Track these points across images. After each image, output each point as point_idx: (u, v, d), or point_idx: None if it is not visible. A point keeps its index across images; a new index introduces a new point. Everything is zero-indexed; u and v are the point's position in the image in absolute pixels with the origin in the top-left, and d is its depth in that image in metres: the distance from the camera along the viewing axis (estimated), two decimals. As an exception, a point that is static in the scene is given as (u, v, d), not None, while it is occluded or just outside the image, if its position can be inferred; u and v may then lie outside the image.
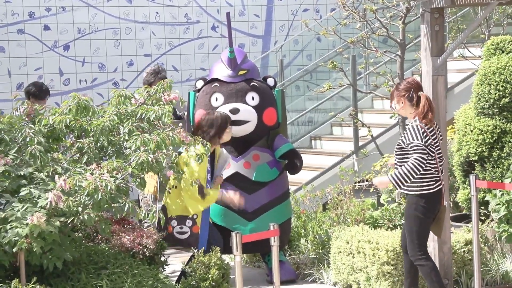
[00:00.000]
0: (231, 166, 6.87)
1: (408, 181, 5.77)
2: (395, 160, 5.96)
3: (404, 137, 5.84)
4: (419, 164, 5.73)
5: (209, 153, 6.45)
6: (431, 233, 6.26)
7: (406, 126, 5.88)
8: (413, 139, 5.77)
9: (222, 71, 7.06)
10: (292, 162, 7.05)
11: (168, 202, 6.57)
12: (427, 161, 5.79)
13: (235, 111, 6.83)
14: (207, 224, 6.47)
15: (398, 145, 5.91)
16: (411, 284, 6.11)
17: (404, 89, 5.92)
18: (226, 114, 6.73)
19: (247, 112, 6.87)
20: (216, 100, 6.94)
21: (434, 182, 5.87)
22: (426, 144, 5.77)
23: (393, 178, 5.79)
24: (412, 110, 5.91)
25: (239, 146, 6.95)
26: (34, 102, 7.80)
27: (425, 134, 5.78)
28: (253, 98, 6.96)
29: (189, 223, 6.45)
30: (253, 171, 6.91)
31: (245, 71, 7.06)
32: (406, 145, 5.82)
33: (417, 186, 5.85)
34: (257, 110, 6.92)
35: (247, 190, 6.86)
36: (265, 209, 6.91)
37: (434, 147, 5.84)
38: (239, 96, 6.93)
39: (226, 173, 6.85)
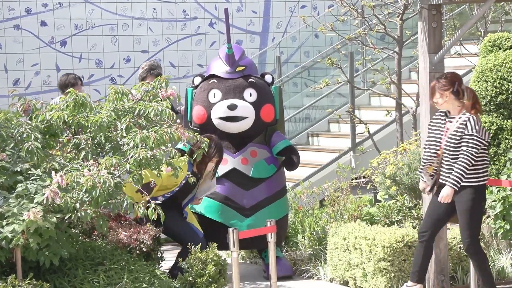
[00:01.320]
0: (228, 162, 6.86)
1: (464, 177, 5.82)
2: (447, 154, 5.91)
3: (463, 129, 5.85)
4: (471, 157, 5.81)
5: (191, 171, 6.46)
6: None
7: (452, 120, 5.93)
8: (473, 131, 5.83)
9: (220, 67, 7.06)
10: (290, 158, 7.06)
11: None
12: (481, 151, 5.86)
13: (233, 107, 6.84)
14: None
15: (453, 138, 5.88)
16: (421, 276, 6.11)
17: (448, 84, 5.95)
18: (218, 144, 6.58)
19: (245, 108, 6.87)
20: (214, 96, 6.95)
21: (487, 172, 5.95)
22: (482, 137, 5.85)
23: (453, 184, 5.83)
24: (459, 103, 5.95)
25: (236, 142, 6.95)
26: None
27: (481, 126, 5.88)
28: (251, 94, 6.96)
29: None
30: (250, 167, 6.91)
31: (243, 67, 7.07)
32: (465, 135, 5.84)
33: (475, 177, 5.89)
34: (254, 107, 6.92)
35: (244, 187, 6.87)
36: (262, 205, 6.91)
37: (486, 137, 5.91)
38: (237, 92, 6.93)
39: (223, 169, 6.85)
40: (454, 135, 5.90)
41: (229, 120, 6.83)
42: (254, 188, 6.91)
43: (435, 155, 5.98)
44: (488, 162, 5.98)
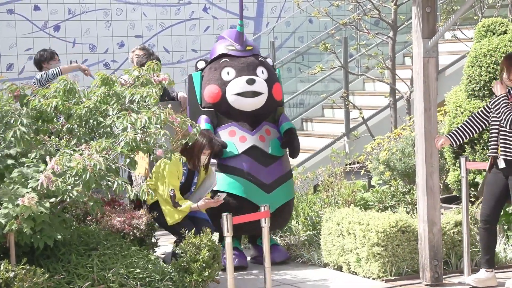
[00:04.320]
0: (247, 140, 6.87)
1: (506, 116, 5.88)
2: (505, 132, 5.97)
3: None
4: None
5: (186, 168, 6.50)
6: (422, 214, 6.29)
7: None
8: None
9: (229, 46, 7.09)
10: (292, 142, 7.04)
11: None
12: None
13: (251, 81, 6.86)
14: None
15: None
16: (491, 261, 6.16)
17: None
18: (206, 135, 6.60)
19: (261, 83, 6.93)
20: (228, 74, 6.95)
21: None
22: None
23: (503, 104, 5.92)
24: None
25: (251, 120, 6.95)
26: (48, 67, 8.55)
27: None
28: (263, 72, 7.02)
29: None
30: (268, 145, 6.94)
31: (251, 47, 7.15)
32: None
33: None
34: (267, 84, 6.97)
35: (263, 163, 6.88)
36: (280, 182, 6.94)
37: None
38: (251, 69, 6.97)
39: (243, 146, 6.84)
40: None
41: (247, 95, 6.86)
42: (271, 165, 6.93)
43: (497, 133, 6.01)
44: None
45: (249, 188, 6.82)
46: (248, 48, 7.10)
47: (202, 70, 7.11)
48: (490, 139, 6.13)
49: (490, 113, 6.12)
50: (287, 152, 7.11)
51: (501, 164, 6.01)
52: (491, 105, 6.06)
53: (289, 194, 7.03)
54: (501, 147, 6.01)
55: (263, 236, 5.86)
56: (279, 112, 7.15)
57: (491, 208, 6.11)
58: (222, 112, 6.93)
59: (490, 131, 6.12)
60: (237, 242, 6.99)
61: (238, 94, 6.88)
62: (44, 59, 8.79)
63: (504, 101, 5.96)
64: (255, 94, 6.89)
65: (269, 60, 7.25)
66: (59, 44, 11.56)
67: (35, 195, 5.12)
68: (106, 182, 5.29)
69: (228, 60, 7.01)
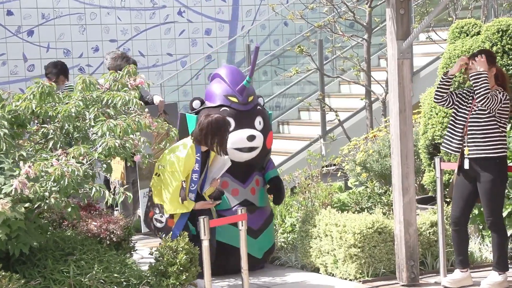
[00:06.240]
0: (239, 193, 6.78)
1: (484, 91, 5.89)
2: (473, 131, 6.00)
3: (488, 102, 5.92)
4: (498, 102, 5.91)
5: (199, 153, 6.27)
6: (398, 215, 6.32)
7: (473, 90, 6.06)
8: (505, 103, 5.95)
9: (231, 97, 6.79)
10: (278, 190, 6.98)
11: (152, 189, 6.48)
12: (502, 126, 5.98)
13: (251, 138, 6.72)
14: (183, 224, 6.39)
15: (481, 114, 5.97)
16: (467, 261, 6.20)
17: (495, 60, 6.08)
18: (224, 117, 6.36)
19: (259, 138, 6.77)
20: None
21: (506, 146, 6.04)
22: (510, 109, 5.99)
23: (483, 80, 5.91)
24: (493, 81, 6.04)
25: (242, 170, 6.78)
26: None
27: (510, 104, 6.00)
28: (260, 122, 6.85)
29: (166, 215, 6.41)
30: (257, 198, 6.90)
31: (252, 97, 6.90)
32: (497, 104, 5.92)
33: (499, 149, 5.97)
34: (263, 134, 6.84)
35: (250, 211, 6.69)
36: (266, 225, 6.92)
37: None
38: (249, 121, 6.79)
39: (235, 200, 6.76)
40: (482, 110, 5.96)
41: (244, 150, 6.72)
42: (256, 210, 6.87)
43: (462, 132, 6.04)
44: (505, 138, 6.06)
45: (237, 236, 6.59)
46: (250, 99, 6.84)
47: (197, 112, 6.84)
48: (455, 134, 6.11)
49: (464, 100, 6.14)
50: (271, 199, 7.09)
51: (466, 165, 6.05)
52: (471, 77, 6.02)
53: (273, 236, 7.04)
54: (469, 143, 6.03)
55: (240, 239, 5.86)
56: (266, 159, 7.05)
57: (461, 209, 6.15)
58: None
59: (456, 126, 6.12)
60: None
61: (236, 149, 6.71)
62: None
63: (485, 76, 5.96)
64: (252, 149, 6.76)
65: (261, 100, 7.05)
66: (33, 49, 11.49)
67: (8, 200, 5.08)
68: (83, 189, 5.27)
69: (227, 109, 6.75)
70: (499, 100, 5.94)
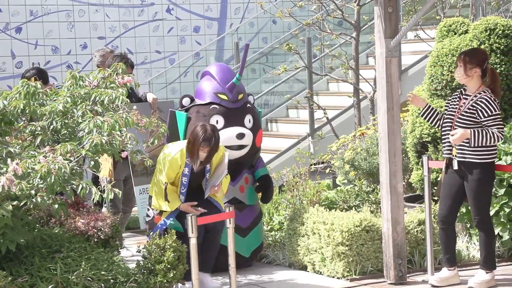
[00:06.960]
0: (228, 192, 6.74)
1: (486, 143, 5.90)
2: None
3: (481, 109, 5.91)
4: (501, 135, 5.92)
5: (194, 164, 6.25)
6: (385, 213, 6.33)
7: (466, 98, 6.06)
8: (495, 110, 5.92)
9: (220, 95, 6.80)
10: (267, 188, 6.97)
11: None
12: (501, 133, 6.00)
13: (240, 136, 6.72)
14: (166, 223, 6.39)
15: (466, 115, 5.96)
16: (455, 259, 6.22)
17: (481, 60, 6.02)
18: (208, 129, 6.22)
19: (248, 136, 6.77)
20: (217, 122, 6.72)
21: (495, 150, 6.06)
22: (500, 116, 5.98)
23: (474, 132, 5.89)
24: (480, 82, 6.02)
25: (232, 168, 6.71)
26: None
27: (499, 106, 5.99)
28: (249, 120, 6.86)
29: (156, 211, 6.41)
30: (246, 196, 6.89)
31: (242, 94, 6.90)
32: (487, 116, 5.91)
33: (489, 154, 5.98)
34: (252, 133, 6.84)
35: (239, 209, 6.72)
36: (254, 224, 6.92)
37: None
38: (238, 119, 6.79)
39: (223, 199, 6.69)
40: (467, 112, 5.97)
41: (233, 148, 6.70)
42: (245, 209, 6.88)
43: (449, 133, 6.05)
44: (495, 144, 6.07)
45: (225, 234, 6.62)
46: (239, 97, 6.85)
47: (186, 110, 6.83)
48: (443, 139, 6.17)
49: (452, 102, 6.17)
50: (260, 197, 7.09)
51: (455, 165, 6.07)
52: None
53: (261, 236, 7.03)
54: (457, 148, 6.07)
55: (228, 237, 5.86)
56: (256, 157, 7.06)
57: (448, 208, 6.17)
58: None
59: (443, 131, 6.16)
60: None
61: (225, 146, 6.64)
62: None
63: (468, 137, 5.94)
64: (241, 147, 6.76)
65: (251, 98, 7.05)
66: (21, 46, 11.45)
67: (-5, 198, 5.07)
68: (70, 186, 5.25)
69: (217, 107, 6.77)
70: (489, 130, 5.93)
